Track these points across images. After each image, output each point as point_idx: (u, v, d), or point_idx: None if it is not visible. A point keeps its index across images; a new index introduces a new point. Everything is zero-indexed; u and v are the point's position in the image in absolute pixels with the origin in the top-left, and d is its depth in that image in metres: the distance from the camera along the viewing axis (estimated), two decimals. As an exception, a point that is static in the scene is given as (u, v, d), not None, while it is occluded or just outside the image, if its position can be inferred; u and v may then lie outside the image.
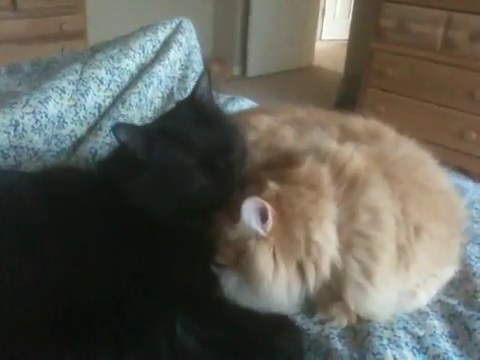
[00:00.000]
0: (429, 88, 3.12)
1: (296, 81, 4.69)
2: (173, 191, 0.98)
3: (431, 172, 1.10)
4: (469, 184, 1.55)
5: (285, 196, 0.96)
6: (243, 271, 0.96)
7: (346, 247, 0.95)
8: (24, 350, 0.78)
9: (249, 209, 0.92)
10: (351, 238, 0.95)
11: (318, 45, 5.66)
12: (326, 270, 0.95)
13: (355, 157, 1.02)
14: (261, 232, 0.94)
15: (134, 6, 4.03)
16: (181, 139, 0.99)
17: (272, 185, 0.97)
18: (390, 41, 3.32)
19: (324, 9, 6.11)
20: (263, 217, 0.93)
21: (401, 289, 0.99)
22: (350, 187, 0.98)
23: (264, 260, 0.94)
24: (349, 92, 3.96)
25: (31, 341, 0.79)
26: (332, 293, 0.99)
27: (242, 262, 0.96)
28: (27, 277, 0.84)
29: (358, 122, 1.19)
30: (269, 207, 0.92)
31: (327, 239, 0.94)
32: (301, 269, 0.95)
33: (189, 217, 0.99)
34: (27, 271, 0.85)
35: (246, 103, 1.92)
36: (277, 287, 0.95)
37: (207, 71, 1.09)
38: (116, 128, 0.95)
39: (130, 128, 0.98)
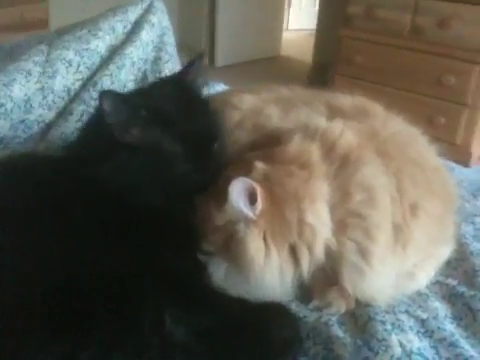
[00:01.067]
0: (398, 74, 3.11)
1: (265, 70, 4.64)
2: (153, 176, 0.92)
3: (423, 148, 1.06)
4: (452, 164, 1.52)
5: (274, 176, 0.91)
6: (232, 257, 0.90)
7: (340, 228, 0.90)
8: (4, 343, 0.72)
9: (236, 190, 0.86)
10: (345, 218, 0.90)
11: (285, 35, 5.61)
12: (320, 253, 0.90)
13: (346, 134, 0.97)
14: (250, 215, 0.88)
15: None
16: (167, 122, 0.92)
17: (259, 165, 0.91)
18: (358, 28, 3.32)
19: (290, -1, 6.09)
20: (252, 199, 0.87)
21: (399, 270, 0.94)
22: (342, 165, 0.93)
23: (254, 244, 0.88)
24: (318, 80, 3.94)
25: (9, 335, 0.73)
26: (327, 278, 0.94)
27: (231, 248, 0.90)
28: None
29: (345, 99, 1.14)
30: (258, 188, 0.86)
31: (321, 220, 0.89)
32: (294, 253, 0.90)
33: (169, 203, 0.93)
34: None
35: (221, 88, 1.86)
36: (269, 273, 0.89)
37: (202, 55, 1.04)
38: (103, 95, 0.88)
39: (118, 98, 0.90)
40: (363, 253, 0.89)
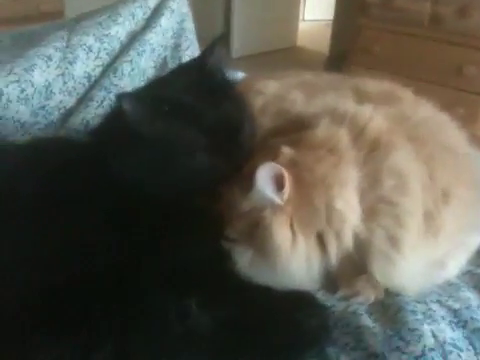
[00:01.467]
0: (416, 65, 3.07)
1: (281, 61, 4.61)
2: (175, 170, 0.90)
3: (453, 134, 1.03)
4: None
5: (302, 161, 0.88)
6: (258, 245, 0.88)
7: (370, 215, 0.87)
8: (18, 338, 0.70)
9: (264, 176, 0.84)
10: (375, 205, 0.87)
11: (301, 26, 5.58)
12: (349, 240, 0.87)
13: (375, 118, 0.94)
14: (277, 201, 0.85)
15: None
16: (189, 113, 0.89)
17: (286, 150, 0.88)
18: (376, 17, 3.27)
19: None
20: (279, 185, 0.85)
21: (430, 259, 0.91)
22: (372, 150, 0.90)
23: (281, 232, 0.85)
24: (334, 71, 3.90)
25: (26, 327, 0.71)
26: (355, 266, 0.91)
27: (256, 235, 0.87)
28: (14, 254, 0.76)
29: (372, 83, 1.10)
30: (286, 173, 0.84)
31: (350, 207, 0.87)
32: (321, 240, 0.88)
33: (190, 195, 0.91)
34: (14, 247, 0.77)
35: (239, 77, 1.83)
36: (296, 261, 0.87)
37: (223, 37, 1.02)
38: (122, 98, 0.85)
39: (136, 101, 0.88)
40: (393, 241, 0.86)
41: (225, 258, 0.90)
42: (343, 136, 0.91)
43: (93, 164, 0.90)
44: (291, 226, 0.86)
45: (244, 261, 0.90)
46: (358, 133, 0.92)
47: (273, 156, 0.89)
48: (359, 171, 0.88)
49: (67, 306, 0.73)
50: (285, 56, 4.93)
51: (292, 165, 0.87)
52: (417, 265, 0.89)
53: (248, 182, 0.86)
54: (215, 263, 0.88)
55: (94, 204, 0.85)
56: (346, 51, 3.62)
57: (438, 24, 3.03)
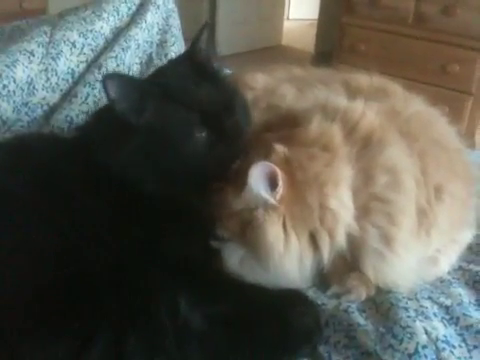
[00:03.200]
0: (401, 63, 3.06)
1: (266, 60, 4.57)
2: (171, 156, 0.88)
3: (444, 129, 1.02)
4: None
5: (295, 159, 0.86)
6: (250, 244, 0.86)
7: (363, 213, 0.86)
8: (12, 332, 0.69)
9: (257, 175, 0.82)
10: (368, 203, 0.86)
11: (286, 24, 5.59)
12: (341, 239, 0.86)
13: (367, 114, 0.93)
14: (271, 200, 0.84)
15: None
16: (179, 95, 0.88)
17: (279, 148, 0.87)
18: (361, 16, 3.29)
19: (291, -13, 6.04)
20: (272, 183, 0.83)
21: (422, 255, 0.91)
22: (364, 147, 0.89)
23: (274, 231, 0.84)
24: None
25: (19, 322, 0.70)
26: (347, 264, 0.90)
27: (248, 234, 0.86)
28: (8, 251, 0.74)
29: (363, 78, 1.10)
30: (279, 172, 0.82)
31: (343, 205, 0.86)
32: (314, 239, 0.86)
33: (186, 187, 0.89)
34: (8, 245, 0.75)
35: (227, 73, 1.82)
36: (288, 260, 0.85)
37: (208, 25, 1.00)
38: (108, 79, 0.83)
39: (124, 81, 0.86)
40: (386, 239, 0.86)
41: (216, 256, 0.89)
42: (336, 133, 0.90)
43: (80, 159, 0.88)
44: (284, 225, 0.85)
45: (234, 260, 0.89)
46: (350, 129, 0.91)
47: (266, 153, 0.87)
48: (352, 168, 0.87)
49: (63, 302, 0.72)
50: (270, 54, 4.93)
51: (285, 163, 0.86)
52: (410, 262, 0.88)
53: (241, 180, 0.84)
54: (206, 261, 0.87)
55: (83, 200, 0.83)
56: (331, 49, 3.62)
57: (423, 22, 3.04)
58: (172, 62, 1.05)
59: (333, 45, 3.58)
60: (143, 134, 0.87)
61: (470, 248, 1.01)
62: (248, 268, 0.88)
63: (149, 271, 0.77)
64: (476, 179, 1.05)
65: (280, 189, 0.83)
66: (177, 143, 0.87)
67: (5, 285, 0.72)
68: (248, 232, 0.86)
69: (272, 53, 5.00)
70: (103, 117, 0.96)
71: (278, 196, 0.84)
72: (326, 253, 0.86)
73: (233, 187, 0.87)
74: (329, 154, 0.87)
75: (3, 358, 0.68)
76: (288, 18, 6.04)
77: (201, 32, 0.98)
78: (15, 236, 0.76)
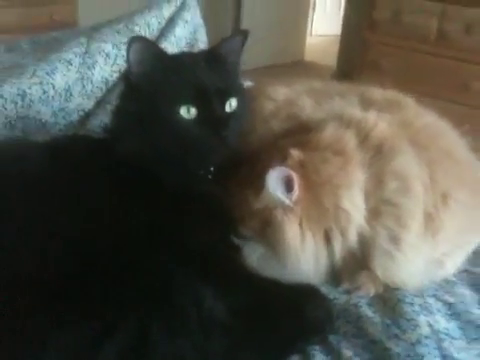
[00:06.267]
0: (423, 80, 3.09)
1: (289, 74, 4.60)
2: (159, 127, 0.93)
3: (454, 140, 1.08)
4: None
5: (310, 163, 0.94)
6: (269, 242, 0.94)
7: (374, 215, 0.93)
8: (37, 319, 0.74)
9: (274, 179, 0.90)
10: (379, 206, 0.93)
11: (309, 40, 5.64)
12: (353, 238, 0.93)
13: (380, 124, 0.99)
14: (287, 202, 0.91)
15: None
16: (184, 70, 0.95)
17: (295, 152, 0.94)
18: (384, 33, 3.32)
19: (315, 4, 6.09)
20: (289, 187, 0.90)
21: (429, 257, 0.97)
22: (377, 153, 0.96)
23: (291, 230, 0.92)
24: (343, 85, 3.95)
25: (45, 309, 0.74)
26: (357, 262, 0.96)
27: (268, 233, 0.93)
28: (41, 238, 0.81)
29: (377, 92, 1.16)
30: (295, 176, 0.89)
31: (356, 207, 0.92)
32: (328, 237, 0.93)
33: (190, 173, 0.97)
34: (42, 232, 0.81)
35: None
36: (304, 257, 0.93)
37: (245, 33, 1.05)
38: (132, 42, 0.90)
39: (145, 46, 0.93)
40: (395, 240, 0.92)
41: (236, 252, 0.95)
42: (349, 139, 0.97)
43: (105, 154, 0.95)
44: (300, 224, 0.92)
45: (255, 257, 0.96)
46: (363, 138, 0.97)
47: (283, 157, 0.94)
48: (364, 173, 0.94)
49: (90, 288, 0.77)
50: (293, 70, 4.98)
51: (301, 167, 0.93)
52: (416, 262, 0.94)
53: (259, 182, 0.92)
54: (229, 256, 0.94)
55: (111, 195, 0.89)
56: (354, 65, 3.67)
57: (445, 40, 3.07)
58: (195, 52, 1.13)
59: (355, 61, 3.63)
60: (144, 93, 0.93)
61: (476, 253, 1.07)
62: (267, 264, 0.95)
63: (175, 264, 0.83)
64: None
65: (296, 192, 0.90)
66: (165, 114, 0.93)
67: (37, 271, 0.77)
68: (268, 231, 0.93)
69: (295, 68, 5.03)
70: (119, 114, 1.02)
71: (294, 198, 0.91)
72: (338, 251, 0.93)
73: (253, 188, 0.94)
74: (342, 158, 0.94)
75: (31, 341, 0.72)
76: (311, 34, 6.09)
77: (232, 37, 1.04)
78: (49, 224, 0.82)
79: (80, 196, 0.87)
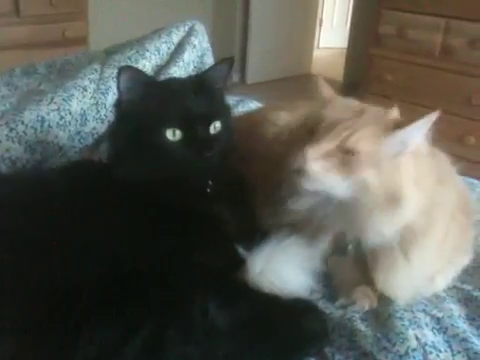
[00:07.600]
0: (428, 94, 3.13)
1: (296, 88, 4.68)
2: (146, 147, 1.00)
3: (449, 166, 1.14)
4: (475, 181, 1.61)
5: None
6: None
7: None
8: (59, 324, 0.80)
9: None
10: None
11: (316, 53, 5.71)
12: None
13: None
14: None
15: (134, 13, 4.06)
16: (172, 96, 1.02)
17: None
18: (389, 47, 3.35)
19: (321, 18, 6.17)
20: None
21: (423, 274, 1.03)
22: None
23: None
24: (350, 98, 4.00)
25: (66, 315, 0.81)
26: (353, 278, 1.03)
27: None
28: (76, 253, 0.88)
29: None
30: None
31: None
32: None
33: (177, 190, 1.01)
34: (77, 248, 0.88)
35: (255, 105, 1.97)
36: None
37: (231, 60, 1.10)
38: (121, 71, 0.98)
39: (134, 75, 1.00)
40: (407, 255, 0.98)
41: (238, 265, 1.01)
42: None
43: (111, 179, 1.02)
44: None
45: (256, 271, 1.01)
46: None
47: None
48: None
49: (117, 296, 0.84)
50: (300, 83, 5.02)
51: None
52: (418, 274, 1.01)
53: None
54: (231, 272, 1.00)
55: (121, 213, 0.97)
56: (360, 79, 3.72)
57: (450, 55, 3.09)
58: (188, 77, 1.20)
59: (361, 75, 3.66)
60: (133, 126, 1.01)
61: (466, 270, 1.14)
62: (267, 280, 1.00)
63: (186, 277, 0.90)
64: (475, 211, 1.18)
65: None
66: (153, 137, 1.00)
67: (74, 279, 0.84)
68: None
69: (301, 82, 5.06)
70: (114, 140, 1.10)
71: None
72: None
73: None
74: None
75: (63, 341, 0.80)
76: (318, 46, 6.16)
77: (220, 64, 1.11)
78: (80, 240, 0.90)
79: (98, 218, 0.94)
